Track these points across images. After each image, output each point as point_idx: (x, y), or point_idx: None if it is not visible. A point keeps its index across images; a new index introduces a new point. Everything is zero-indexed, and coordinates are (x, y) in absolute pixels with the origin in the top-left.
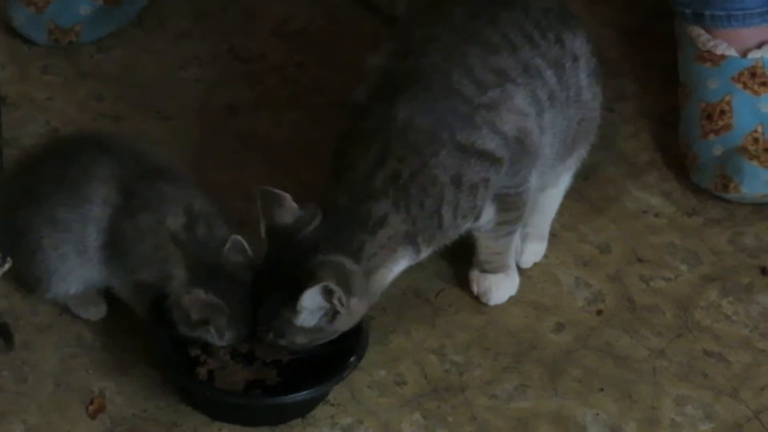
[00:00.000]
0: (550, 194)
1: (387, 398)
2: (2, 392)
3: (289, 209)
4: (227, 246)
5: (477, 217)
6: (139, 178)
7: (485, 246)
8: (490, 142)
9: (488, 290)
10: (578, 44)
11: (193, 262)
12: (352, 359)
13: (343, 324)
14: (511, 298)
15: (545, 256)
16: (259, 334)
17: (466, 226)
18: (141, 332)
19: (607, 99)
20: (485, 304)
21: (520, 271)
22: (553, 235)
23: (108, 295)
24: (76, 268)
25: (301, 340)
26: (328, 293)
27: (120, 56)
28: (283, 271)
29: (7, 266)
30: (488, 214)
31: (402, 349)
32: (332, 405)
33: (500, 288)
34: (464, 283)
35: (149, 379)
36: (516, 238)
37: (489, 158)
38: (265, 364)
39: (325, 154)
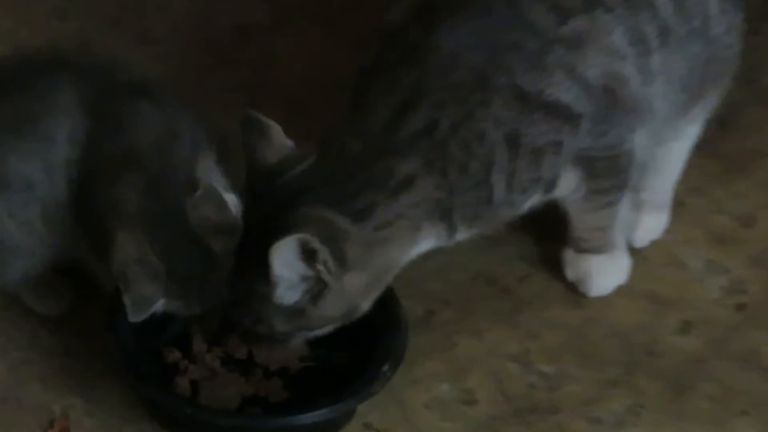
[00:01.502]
0: (671, 149)
1: (451, 422)
2: None
3: (277, 144)
4: (197, 193)
5: (548, 189)
6: (110, 99)
7: (579, 220)
8: (564, 93)
9: (588, 277)
10: None
11: (155, 191)
12: (385, 368)
13: (333, 306)
14: (618, 288)
15: (666, 232)
16: (235, 318)
17: (530, 201)
18: (100, 328)
19: (750, 18)
20: (584, 296)
21: (633, 251)
22: (678, 203)
23: (72, 283)
24: (44, 239)
25: (280, 325)
26: (308, 253)
27: None
28: (259, 229)
29: None
30: (569, 181)
31: (471, 355)
32: (377, 431)
33: (604, 274)
34: (556, 267)
35: (127, 396)
36: (625, 208)
37: (561, 114)
38: (268, 373)
39: None
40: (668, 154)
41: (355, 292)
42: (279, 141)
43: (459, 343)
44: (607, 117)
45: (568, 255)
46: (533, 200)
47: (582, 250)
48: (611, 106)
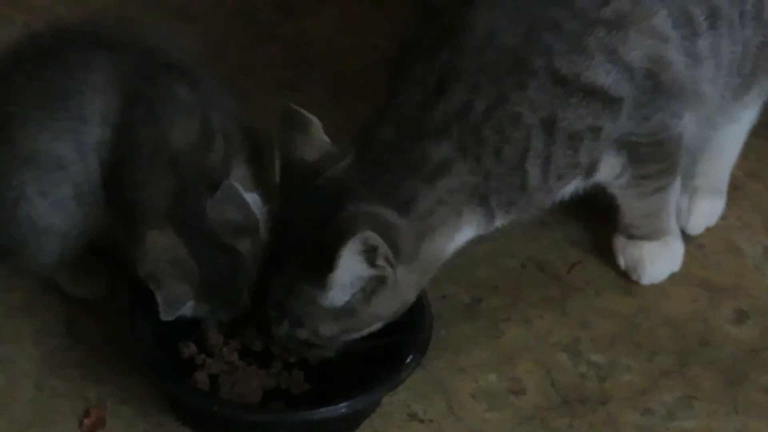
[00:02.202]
0: (726, 133)
1: (498, 412)
2: None
3: (316, 140)
4: (216, 195)
5: (588, 174)
6: (148, 81)
7: (628, 206)
8: (604, 76)
9: (640, 264)
10: None
11: (186, 194)
12: (409, 359)
13: (386, 303)
14: (672, 276)
15: (722, 218)
16: (268, 324)
17: (569, 187)
18: (115, 320)
19: None
20: (636, 283)
21: (687, 237)
22: (734, 188)
23: (110, 265)
24: (78, 220)
25: (327, 329)
26: (369, 251)
27: None
28: (301, 228)
29: None
30: (611, 166)
31: (520, 344)
32: (422, 421)
33: (656, 261)
34: (607, 254)
35: None
36: (677, 193)
37: (600, 98)
38: (287, 365)
39: None
40: (723, 138)
41: (407, 286)
42: (318, 137)
43: (507, 331)
44: (649, 101)
45: (620, 241)
46: (573, 186)
47: (634, 237)
48: (654, 90)
